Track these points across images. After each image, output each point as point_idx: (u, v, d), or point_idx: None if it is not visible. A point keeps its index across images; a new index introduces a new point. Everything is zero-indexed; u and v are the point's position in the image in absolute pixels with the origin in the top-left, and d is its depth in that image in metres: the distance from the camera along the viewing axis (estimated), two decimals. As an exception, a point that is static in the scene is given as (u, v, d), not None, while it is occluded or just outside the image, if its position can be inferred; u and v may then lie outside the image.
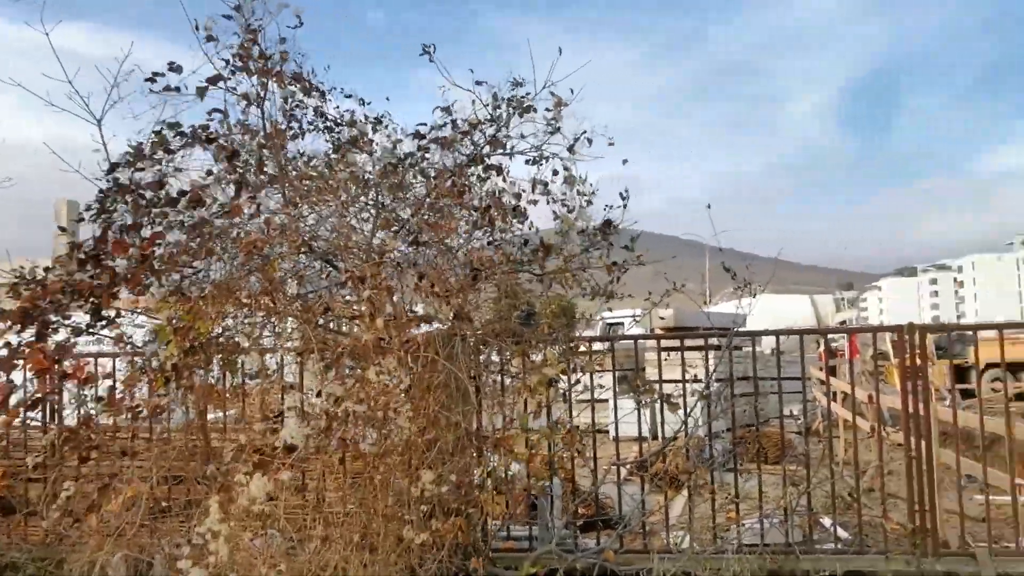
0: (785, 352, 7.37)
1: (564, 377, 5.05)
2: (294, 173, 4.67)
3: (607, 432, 12.50)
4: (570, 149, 4.76)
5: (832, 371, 20.06)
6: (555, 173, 4.87)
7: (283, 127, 4.70)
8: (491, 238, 5.02)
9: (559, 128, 4.77)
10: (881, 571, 5.70)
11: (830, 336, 26.27)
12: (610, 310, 5.70)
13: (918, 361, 5.95)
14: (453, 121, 4.86)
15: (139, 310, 4.57)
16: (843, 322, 31.21)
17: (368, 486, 3.89)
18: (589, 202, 5.33)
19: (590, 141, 4.73)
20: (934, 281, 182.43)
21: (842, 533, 6.92)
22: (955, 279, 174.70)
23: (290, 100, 4.85)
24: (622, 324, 21.77)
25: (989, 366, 23.98)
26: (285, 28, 4.45)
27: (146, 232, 4.19)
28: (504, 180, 5.03)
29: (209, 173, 4.48)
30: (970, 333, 23.92)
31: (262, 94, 4.56)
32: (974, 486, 9.16)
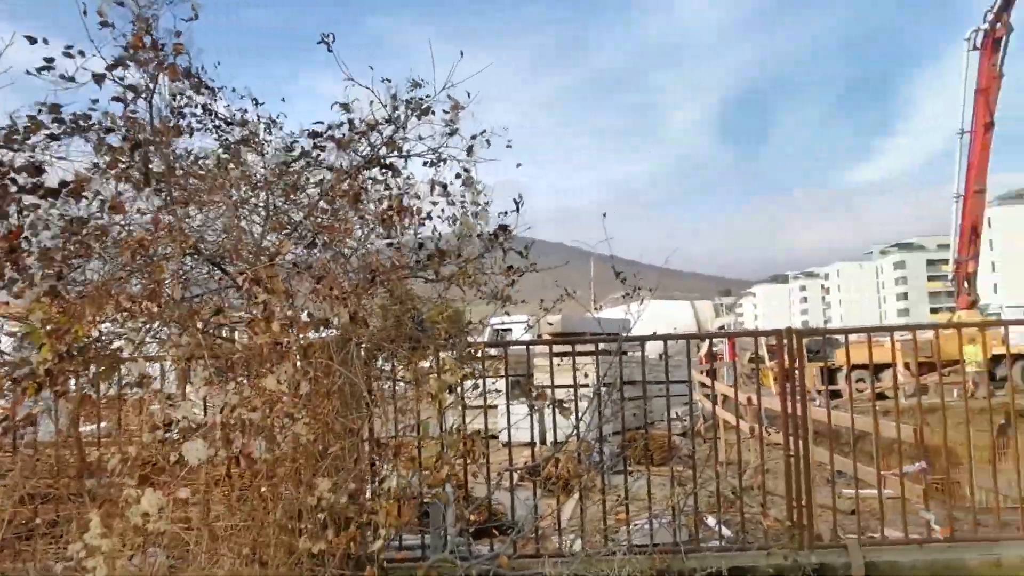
0: (671, 356, 7.62)
1: (464, 383, 5.04)
2: (181, 172, 4.47)
3: (497, 438, 12.56)
4: (468, 151, 4.76)
5: (712, 374, 20.87)
6: (457, 176, 4.86)
7: (171, 123, 4.48)
8: (388, 241, 4.95)
9: (457, 130, 4.76)
10: (762, 566, 5.97)
11: (710, 341, 27.42)
12: (507, 314, 5.74)
13: (795, 364, 6.27)
14: (350, 121, 4.77)
15: (4, 315, 4.27)
16: (722, 327, 32.52)
17: (258, 497, 3.77)
18: (484, 209, 5.35)
19: (489, 143, 4.74)
20: (803, 288, 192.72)
21: (725, 531, 7.20)
22: (822, 285, 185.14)
23: (179, 96, 4.63)
24: (510, 330, 21.93)
25: (854, 367, 25.60)
26: (181, 20, 4.24)
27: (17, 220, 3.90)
28: (401, 182, 4.97)
29: (95, 166, 4.22)
30: (837, 337, 25.44)
31: (151, 87, 4.34)
32: (843, 481, 9.73)
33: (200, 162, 4.79)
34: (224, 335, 4.17)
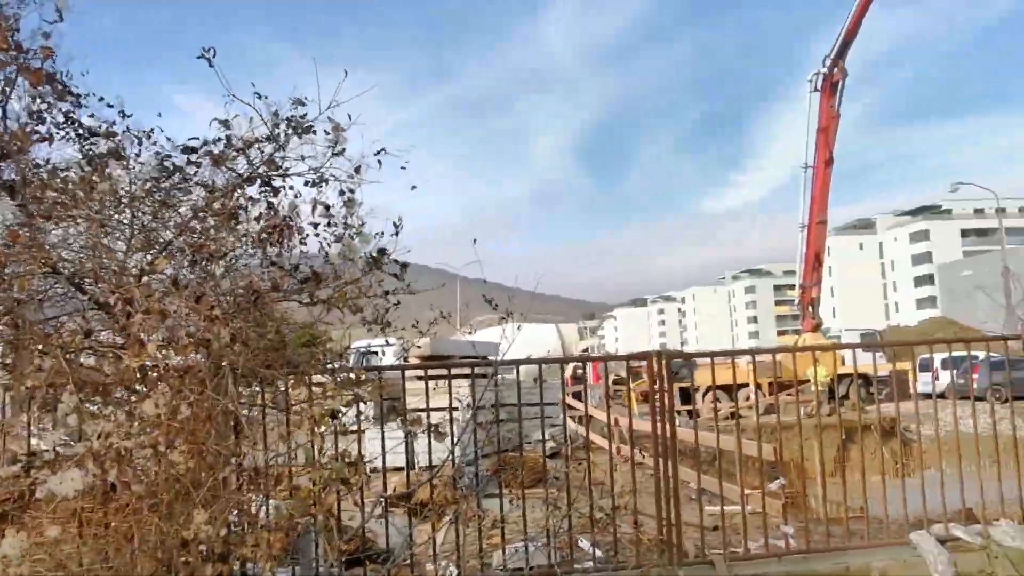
0: (536, 379, 7.76)
1: (345, 408, 4.93)
2: (38, 183, 4.16)
3: (369, 463, 12.32)
4: (356, 170, 4.68)
5: (578, 396, 21.34)
6: (341, 194, 4.76)
7: (28, 128, 4.17)
8: (265, 261, 4.79)
9: (343, 150, 4.68)
10: (634, 584, 6.13)
11: (576, 364, 27.96)
12: (387, 342, 5.67)
13: (663, 385, 6.50)
14: (228, 137, 4.59)
15: None
16: (586, 349, 33.34)
17: (129, 530, 3.53)
18: (360, 231, 5.26)
19: (380, 163, 4.68)
20: (662, 311, 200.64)
21: (598, 552, 7.34)
22: (679, 309, 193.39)
23: (38, 100, 4.31)
24: (376, 353, 21.63)
25: (709, 388, 26.78)
26: (46, 23, 3.95)
27: None
28: (282, 202, 4.82)
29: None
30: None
31: (8, 91, 4.02)
32: (706, 498, 10.14)
33: (61, 174, 4.47)
34: (88, 359, 3.91)
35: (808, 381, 24.81)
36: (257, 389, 5.14)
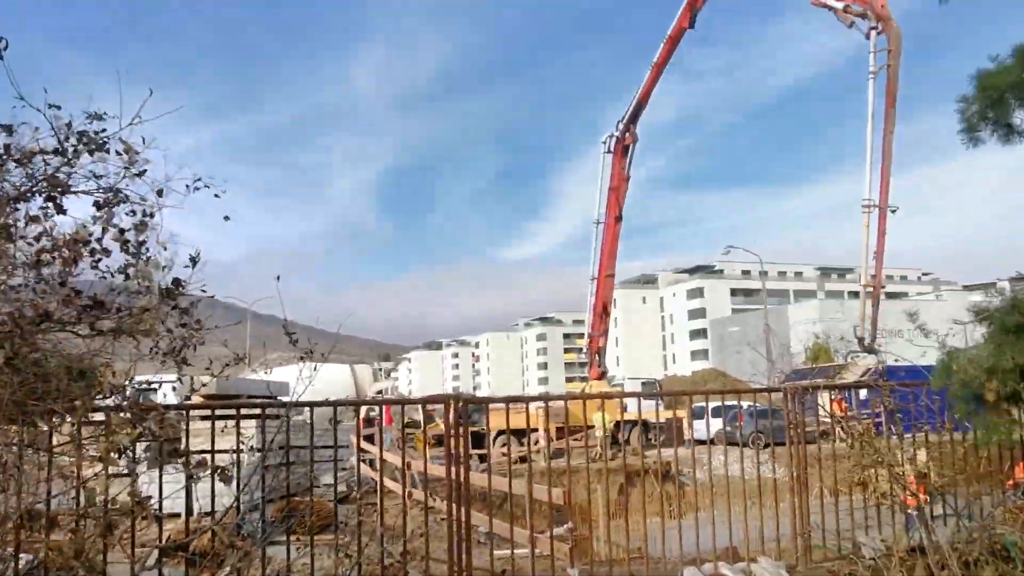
0: (328, 421, 7.54)
1: (129, 446, 4.52)
2: None
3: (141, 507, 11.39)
4: (159, 193, 4.36)
5: (369, 439, 20.94)
6: (132, 213, 4.39)
7: None
8: (40, 286, 4.33)
9: (144, 171, 4.34)
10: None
11: (368, 406, 27.50)
12: (181, 381, 5.30)
13: (458, 429, 6.54)
14: (7, 146, 4.11)
15: None
16: (380, 391, 32.95)
17: None
18: (150, 259, 4.91)
19: (188, 187, 4.39)
20: (456, 355, 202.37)
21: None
22: (473, 353, 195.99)
23: None
24: (155, 390, 20.15)
25: (501, 432, 27.23)
26: None
27: None
28: (66, 221, 4.38)
29: None
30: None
31: None
32: (496, 541, 10.22)
33: None
34: None
35: (594, 427, 25.92)
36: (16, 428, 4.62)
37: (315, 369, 6.32)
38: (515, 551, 7.67)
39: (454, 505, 6.49)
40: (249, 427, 8.78)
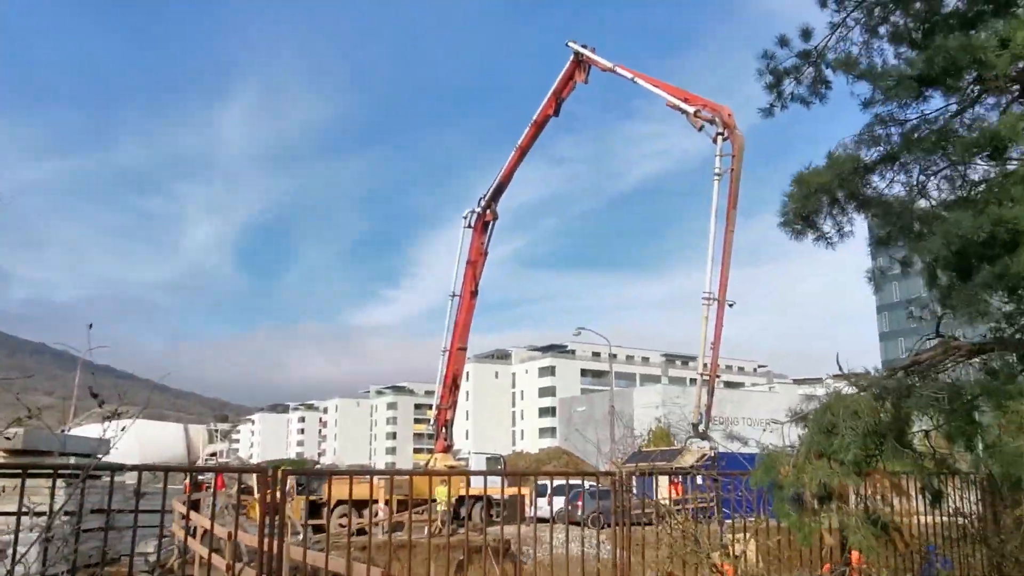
0: (150, 483, 6.96)
1: None
2: None
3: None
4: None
5: (195, 505, 19.59)
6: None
7: None
8: None
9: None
10: None
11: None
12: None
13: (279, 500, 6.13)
14: None
15: None
16: (215, 454, 31.12)
17: None
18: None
19: None
20: (303, 419, 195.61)
21: None
22: (320, 419, 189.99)
23: None
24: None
25: (339, 503, 26.18)
26: None
27: None
28: None
29: None
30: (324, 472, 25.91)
31: None
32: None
33: None
34: None
35: (436, 500, 25.38)
36: None
37: (122, 429, 5.76)
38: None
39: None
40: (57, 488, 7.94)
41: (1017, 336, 5.47)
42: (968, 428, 5.38)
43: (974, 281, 5.37)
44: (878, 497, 6.38)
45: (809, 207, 6.65)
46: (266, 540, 6.01)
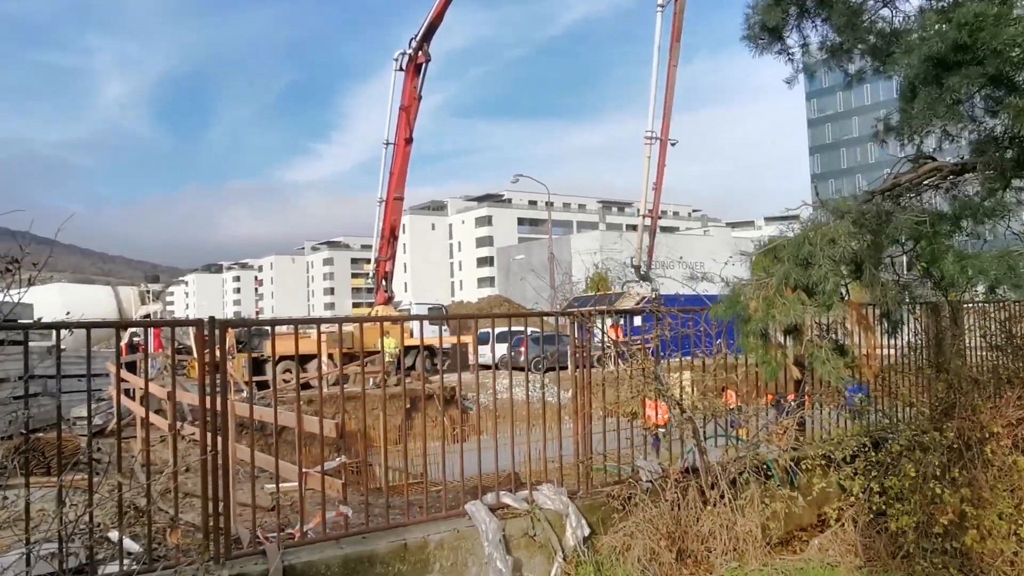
0: (77, 349, 6.47)
1: None
2: None
3: None
4: None
5: (132, 367, 19.12)
6: None
7: None
8: None
9: None
10: (169, 586, 5.27)
11: (133, 330, 25.21)
12: None
13: (218, 356, 5.72)
14: None
15: None
16: (148, 315, 30.37)
17: None
18: None
19: None
20: (238, 279, 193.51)
21: (134, 546, 6.31)
22: (256, 277, 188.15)
23: None
24: None
25: (283, 358, 26.03)
26: None
27: None
28: None
29: None
30: (266, 328, 25.59)
31: None
32: (267, 477, 9.48)
33: None
34: None
35: (377, 352, 25.42)
36: None
37: (21, 288, 5.17)
38: (284, 486, 7.02)
39: (209, 436, 5.69)
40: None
41: (998, 154, 5.21)
42: (943, 251, 5.19)
43: (951, 83, 4.99)
44: (840, 329, 6.29)
45: (775, 17, 6.17)
46: (208, 398, 5.64)
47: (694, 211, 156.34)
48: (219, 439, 5.68)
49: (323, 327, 6.90)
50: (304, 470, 6.31)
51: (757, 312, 5.33)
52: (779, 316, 5.25)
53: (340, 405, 8.21)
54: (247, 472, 11.09)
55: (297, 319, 6.97)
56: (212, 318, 5.63)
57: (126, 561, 5.54)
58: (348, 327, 25.97)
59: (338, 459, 6.54)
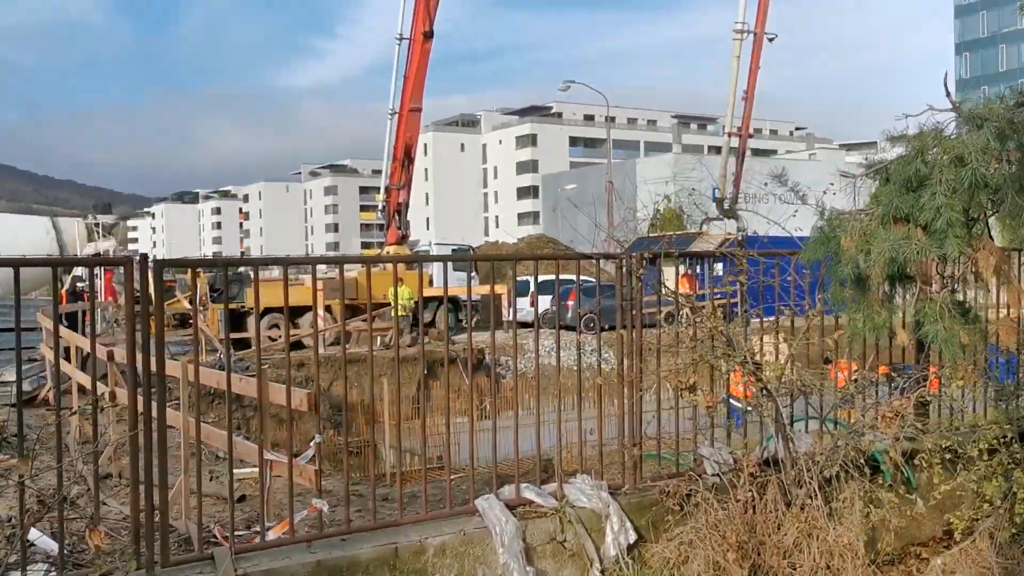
0: (4, 296, 6.45)
1: None
2: None
3: None
4: None
5: (73, 321, 19.33)
6: None
7: None
8: None
9: None
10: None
11: (77, 274, 25.49)
12: None
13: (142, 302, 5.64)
14: None
15: None
16: (98, 254, 30.76)
17: None
18: None
19: None
20: (218, 211, 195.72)
21: (52, 545, 6.31)
22: (241, 209, 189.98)
23: None
24: None
25: (268, 311, 26.17)
26: None
27: None
28: None
29: None
30: (246, 271, 25.68)
31: None
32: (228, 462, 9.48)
33: None
34: None
35: (388, 305, 25.46)
36: None
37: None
38: (245, 472, 6.99)
39: (143, 410, 5.62)
40: None
41: None
42: None
43: None
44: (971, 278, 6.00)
45: None
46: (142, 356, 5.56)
47: (797, 129, 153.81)
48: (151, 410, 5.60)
49: (319, 270, 6.76)
50: (268, 455, 6.23)
51: (850, 250, 5.11)
52: (875, 254, 5.02)
53: (340, 371, 8.14)
54: (215, 454, 11.18)
55: (284, 258, 6.85)
56: (144, 256, 5.52)
57: (36, 568, 5.54)
58: (351, 271, 25.97)
59: (313, 441, 6.45)
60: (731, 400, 8.27)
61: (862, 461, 7.46)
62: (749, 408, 7.85)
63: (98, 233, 31.46)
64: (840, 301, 6.39)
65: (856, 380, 8.16)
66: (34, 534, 6.24)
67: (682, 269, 9.28)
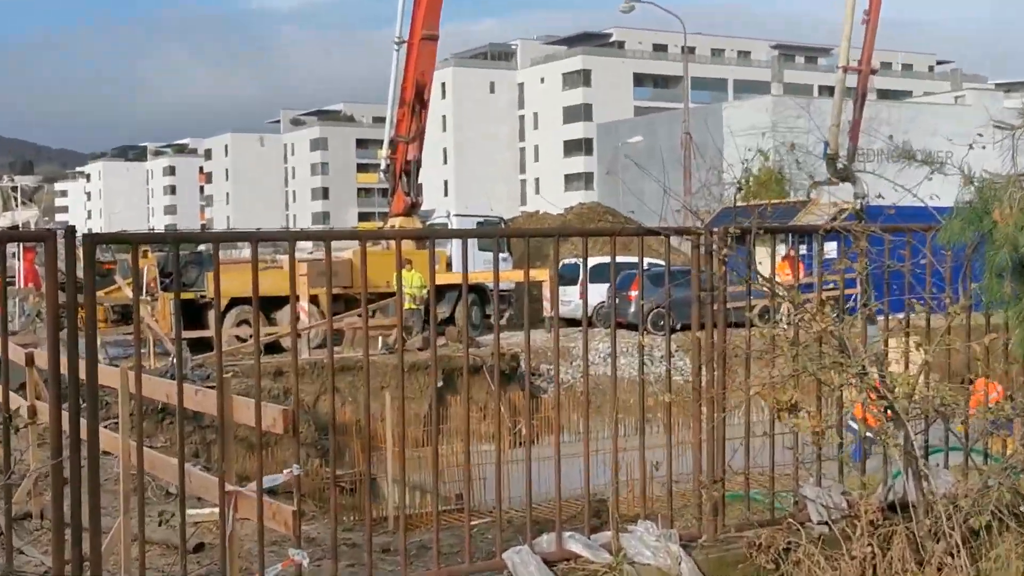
0: None
1: None
2: None
3: None
4: None
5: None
6: None
7: None
8: None
9: None
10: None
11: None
12: None
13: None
14: None
15: None
16: (16, 226, 31.19)
17: None
18: None
19: None
20: (171, 169, 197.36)
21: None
22: (201, 168, 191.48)
23: None
24: None
25: (235, 302, 26.34)
26: None
27: None
28: None
29: None
30: (207, 249, 25.80)
31: None
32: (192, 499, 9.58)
33: None
34: None
35: (392, 295, 25.57)
36: None
37: None
38: (199, 512, 7.04)
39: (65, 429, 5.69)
40: None
41: None
42: None
43: None
44: None
45: None
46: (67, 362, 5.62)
47: (939, 63, 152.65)
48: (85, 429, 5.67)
49: (302, 248, 6.81)
50: (229, 487, 6.27)
51: (1007, 227, 5.09)
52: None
53: (328, 381, 8.17)
54: (164, 489, 11.32)
55: (256, 232, 6.90)
56: (71, 229, 5.56)
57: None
58: (343, 250, 25.92)
59: (288, 471, 6.48)
60: (851, 422, 8.24)
61: (1022, 507, 7.42)
62: (870, 435, 7.82)
63: (15, 200, 31.82)
64: (998, 297, 6.35)
65: (1013, 398, 8.10)
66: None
67: (782, 250, 9.23)
